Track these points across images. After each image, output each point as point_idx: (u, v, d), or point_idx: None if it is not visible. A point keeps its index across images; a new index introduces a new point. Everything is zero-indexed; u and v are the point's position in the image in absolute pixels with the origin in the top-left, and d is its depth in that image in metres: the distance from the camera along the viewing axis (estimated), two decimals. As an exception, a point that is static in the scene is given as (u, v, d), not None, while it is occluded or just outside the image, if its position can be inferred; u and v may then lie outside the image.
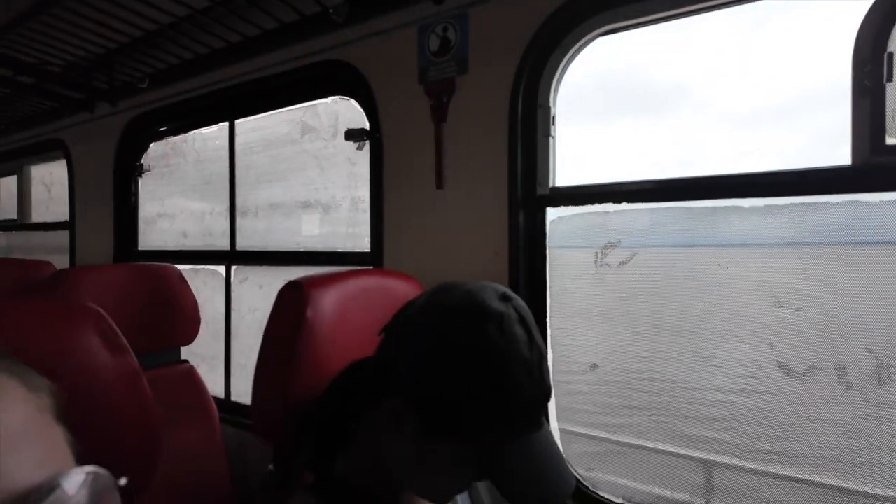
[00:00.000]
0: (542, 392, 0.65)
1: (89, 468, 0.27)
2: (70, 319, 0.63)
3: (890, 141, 0.86)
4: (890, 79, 0.85)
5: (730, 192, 1.01)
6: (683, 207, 1.07)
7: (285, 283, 0.85)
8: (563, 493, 0.67)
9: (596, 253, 1.15)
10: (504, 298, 0.66)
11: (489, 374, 0.61)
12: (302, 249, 1.68)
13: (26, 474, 0.24)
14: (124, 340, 0.65)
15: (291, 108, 1.69)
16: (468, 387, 0.61)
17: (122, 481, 0.28)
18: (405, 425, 0.65)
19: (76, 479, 0.26)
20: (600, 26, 1.11)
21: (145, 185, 2.18)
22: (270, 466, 0.85)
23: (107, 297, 1.38)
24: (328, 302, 0.84)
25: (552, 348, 1.18)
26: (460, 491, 0.72)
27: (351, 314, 0.87)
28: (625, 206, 1.10)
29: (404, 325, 0.69)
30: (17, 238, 3.04)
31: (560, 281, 1.18)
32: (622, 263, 1.11)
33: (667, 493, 1.12)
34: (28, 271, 1.88)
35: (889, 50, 0.85)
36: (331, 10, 1.37)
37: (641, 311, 1.12)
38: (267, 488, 0.84)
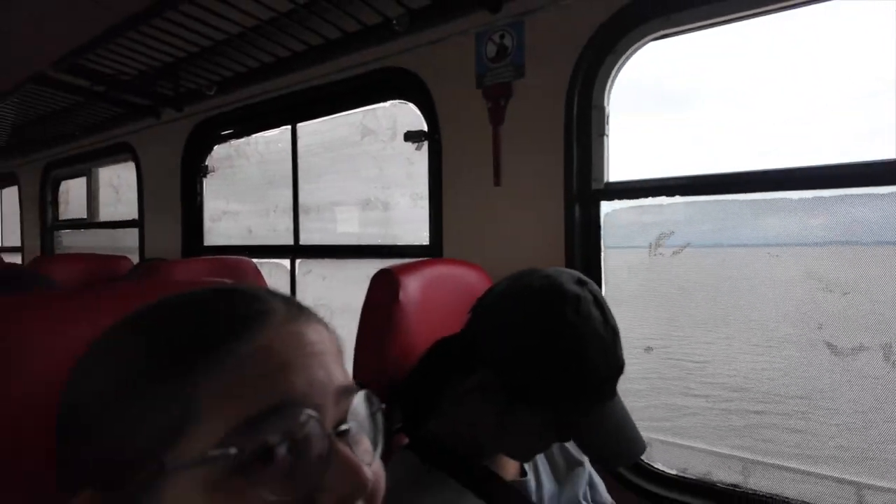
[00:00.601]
0: (616, 366, 0.75)
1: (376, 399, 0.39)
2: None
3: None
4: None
5: (778, 185, 1.09)
6: (733, 200, 1.14)
7: (376, 271, 0.96)
8: (636, 453, 0.77)
9: (650, 244, 1.23)
10: (580, 283, 0.76)
11: (567, 350, 0.71)
12: (362, 244, 1.80)
13: (342, 378, 0.36)
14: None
15: (351, 112, 1.80)
16: (548, 362, 0.71)
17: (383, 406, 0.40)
18: (492, 395, 0.75)
19: (363, 391, 0.37)
20: (653, 32, 1.19)
21: (210, 185, 2.34)
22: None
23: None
24: (415, 286, 0.95)
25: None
26: (543, 451, 0.82)
27: (433, 296, 0.98)
28: (677, 199, 1.18)
29: (490, 306, 0.79)
30: (83, 237, 3.26)
31: (614, 270, 1.27)
32: (675, 253, 1.19)
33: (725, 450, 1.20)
34: (109, 264, 2.06)
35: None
36: (393, 21, 1.48)
37: (691, 299, 1.20)
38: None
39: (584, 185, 1.28)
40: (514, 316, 0.75)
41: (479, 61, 1.43)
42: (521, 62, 1.35)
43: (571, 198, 1.28)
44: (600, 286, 1.28)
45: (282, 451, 0.31)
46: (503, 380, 0.74)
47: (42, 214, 3.39)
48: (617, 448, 0.74)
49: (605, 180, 1.28)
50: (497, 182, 1.40)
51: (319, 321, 0.40)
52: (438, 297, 1.00)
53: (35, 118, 2.74)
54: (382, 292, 0.92)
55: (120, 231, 2.79)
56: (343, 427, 0.35)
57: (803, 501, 1.04)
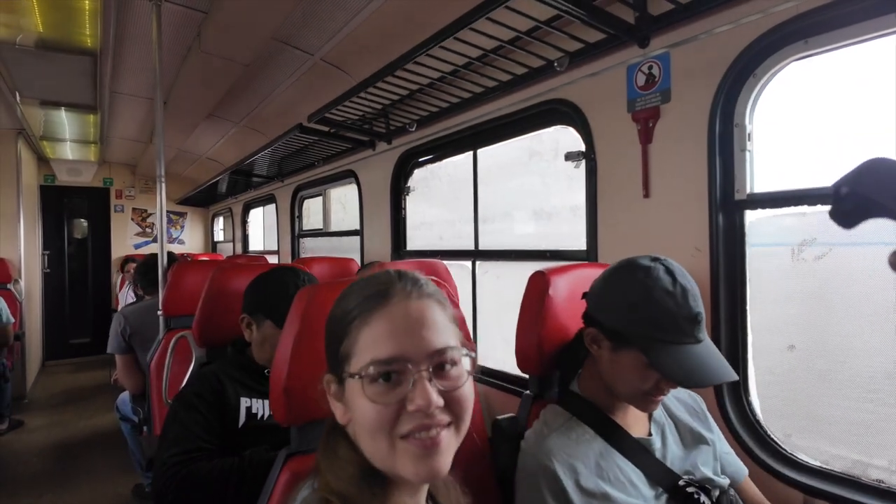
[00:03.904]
0: (688, 313, 0.96)
1: (467, 350, 0.69)
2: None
3: None
4: None
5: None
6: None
7: (532, 272, 1.27)
8: (721, 378, 0.96)
9: (792, 249, 1.31)
10: (653, 259, 1.02)
11: (639, 301, 0.97)
12: (529, 249, 2.13)
13: (436, 341, 0.64)
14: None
15: (521, 138, 2.14)
16: (627, 310, 0.99)
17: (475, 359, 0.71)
18: (602, 343, 1.02)
19: (464, 351, 0.67)
20: (792, 55, 1.27)
21: (411, 201, 2.91)
22: (527, 392, 1.28)
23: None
24: (563, 285, 1.24)
25: (752, 330, 1.39)
26: (651, 394, 1.02)
27: (578, 293, 1.26)
28: (819, 208, 1.25)
29: (593, 285, 1.07)
30: (318, 242, 4.22)
31: (759, 274, 1.38)
32: (817, 259, 1.26)
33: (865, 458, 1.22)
34: (342, 264, 2.74)
35: None
36: (554, 63, 1.77)
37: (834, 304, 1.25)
38: (525, 406, 1.27)
39: (727, 196, 1.41)
40: (603, 285, 1.06)
41: (630, 90, 1.64)
42: (668, 88, 1.53)
43: (715, 207, 1.42)
44: (745, 288, 1.40)
45: (391, 377, 0.61)
46: (605, 331, 1.01)
47: (292, 225, 4.47)
48: (700, 376, 0.94)
49: (749, 191, 1.39)
50: (646, 194, 1.60)
51: (430, 296, 0.67)
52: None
53: (289, 154, 3.68)
54: (536, 290, 1.23)
55: (344, 239, 3.59)
56: (433, 368, 0.62)
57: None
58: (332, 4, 2.38)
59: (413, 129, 2.63)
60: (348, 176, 3.42)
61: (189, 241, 7.46)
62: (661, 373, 0.95)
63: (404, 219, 2.93)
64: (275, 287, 1.46)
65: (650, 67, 1.58)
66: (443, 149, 2.62)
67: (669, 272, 0.99)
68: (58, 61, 3.04)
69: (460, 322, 0.73)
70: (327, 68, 2.88)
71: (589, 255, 1.80)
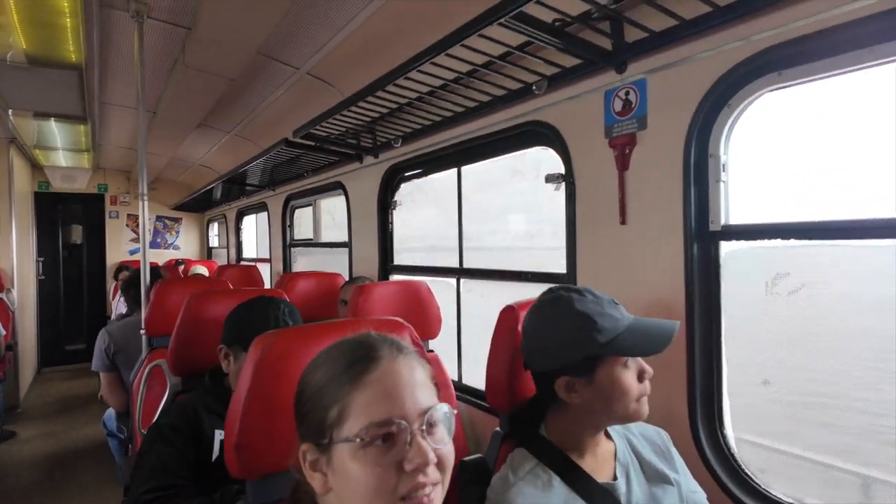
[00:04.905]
0: (606, 302, 1.06)
1: (448, 407, 0.69)
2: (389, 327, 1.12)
3: None
4: None
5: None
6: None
7: (523, 291, 1.26)
8: (672, 328, 1.03)
9: (766, 282, 1.30)
10: (548, 292, 1.12)
11: (577, 321, 1.02)
12: (511, 269, 2.11)
13: (425, 401, 0.67)
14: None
15: (503, 157, 2.13)
16: (579, 334, 1.02)
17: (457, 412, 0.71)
18: (574, 387, 1.05)
19: (447, 408, 0.68)
20: (766, 87, 1.26)
21: (398, 215, 2.90)
22: (496, 429, 1.27)
23: (387, 303, 2.01)
24: (534, 320, 1.23)
25: (727, 362, 1.38)
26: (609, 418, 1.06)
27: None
28: (793, 242, 1.24)
29: (529, 344, 1.12)
30: (309, 251, 4.22)
31: (733, 305, 1.36)
32: (791, 293, 1.24)
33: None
34: (328, 279, 2.73)
35: None
36: (533, 87, 1.76)
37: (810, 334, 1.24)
38: (494, 443, 1.26)
39: (702, 227, 1.40)
40: (540, 334, 1.10)
41: (607, 115, 1.62)
42: (645, 114, 1.52)
43: (690, 237, 1.40)
44: (720, 319, 1.39)
45: (387, 440, 0.62)
46: (572, 371, 1.04)
47: (283, 234, 4.46)
48: (658, 336, 1.03)
49: (723, 222, 1.37)
50: (623, 221, 1.58)
51: (413, 356, 0.69)
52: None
53: (279, 164, 3.67)
54: (506, 326, 1.22)
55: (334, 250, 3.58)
56: (426, 426, 0.64)
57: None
58: (315, 20, 2.37)
59: (398, 145, 2.61)
60: (337, 187, 3.40)
61: (184, 246, 7.45)
62: (640, 355, 1.03)
63: (391, 233, 2.92)
64: (254, 320, 1.44)
65: (627, 93, 1.56)
66: (428, 164, 2.60)
67: (565, 289, 1.08)
68: (45, 75, 3.02)
69: (433, 376, 0.73)
70: (314, 82, 2.87)
71: (568, 279, 1.78)
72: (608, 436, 1.15)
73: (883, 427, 1.22)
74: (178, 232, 7.41)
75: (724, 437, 1.38)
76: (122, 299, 4.78)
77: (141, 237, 2.47)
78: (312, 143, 2.89)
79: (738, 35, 1.28)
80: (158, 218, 7.25)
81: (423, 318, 2.06)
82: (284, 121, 3.40)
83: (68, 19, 2.37)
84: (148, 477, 1.27)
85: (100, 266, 6.90)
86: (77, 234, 6.90)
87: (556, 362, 1.05)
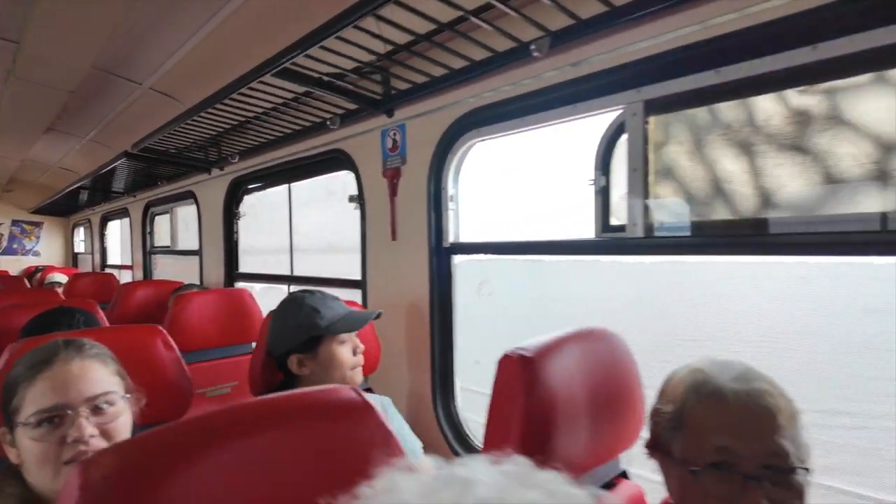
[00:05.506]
0: (319, 296, 1.41)
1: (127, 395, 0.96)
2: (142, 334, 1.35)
3: (614, 222, 1.33)
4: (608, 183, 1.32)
5: (555, 250, 1.53)
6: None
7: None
8: (371, 314, 1.42)
9: (478, 286, 1.70)
10: (303, 292, 1.43)
11: (304, 310, 1.36)
12: (331, 277, 2.41)
13: (89, 391, 0.90)
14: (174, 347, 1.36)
15: (321, 178, 2.43)
16: (306, 320, 1.35)
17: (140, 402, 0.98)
18: (304, 362, 1.38)
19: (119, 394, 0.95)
20: (473, 139, 1.66)
21: (243, 225, 3.10)
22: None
23: (204, 311, 2.22)
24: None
25: (458, 349, 1.77)
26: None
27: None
28: (494, 256, 1.65)
29: (269, 333, 1.44)
30: (168, 258, 4.26)
31: (461, 303, 1.76)
32: (489, 294, 1.65)
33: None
34: (160, 287, 2.87)
35: (609, 165, 1.32)
36: (328, 122, 2.07)
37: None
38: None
39: (440, 243, 1.78)
40: (278, 325, 1.42)
41: (383, 150, 1.97)
42: (405, 154, 1.88)
43: (432, 252, 1.78)
44: (452, 314, 1.78)
45: (53, 421, 0.83)
46: (301, 349, 1.36)
47: (143, 240, 4.44)
48: (358, 316, 1.41)
49: (451, 240, 1.77)
50: (394, 238, 1.94)
51: (93, 357, 0.93)
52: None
53: (137, 171, 3.70)
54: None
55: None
56: (91, 409, 0.88)
57: None
58: (153, 37, 2.50)
59: (234, 161, 2.82)
60: (189, 197, 3.52)
61: (46, 252, 6.99)
62: (347, 331, 1.36)
63: (236, 243, 3.11)
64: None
65: (395, 134, 1.92)
66: (265, 179, 2.84)
67: (301, 292, 1.44)
68: None
69: (120, 370, 0.98)
70: (158, 97, 2.98)
71: (363, 284, 2.11)
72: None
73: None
74: (38, 237, 6.93)
75: (455, 411, 1.77)
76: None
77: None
78: (153, 157, 3.01)
79: (457, 97, 1.67)
80: (15, 222, 6.74)
81: (243, 324, 2.29)
82: (137, 130, 3.44)
83: None
84: None
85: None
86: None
87: (289, 343, 1.36)
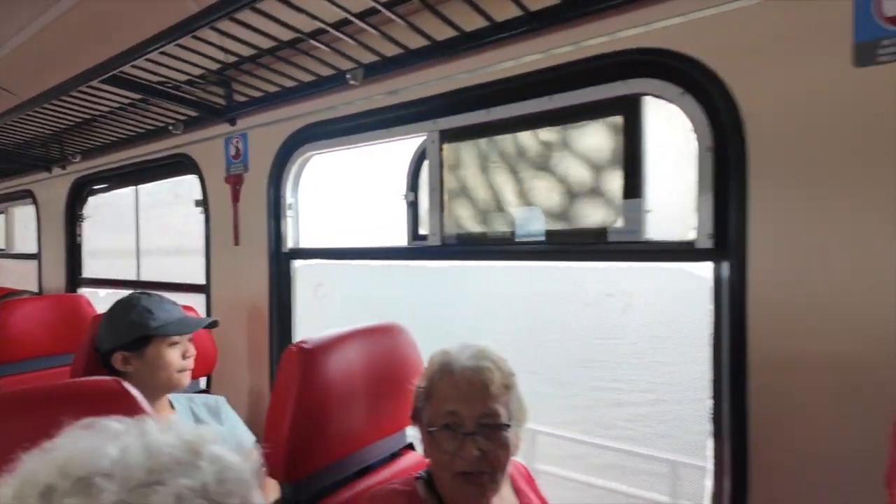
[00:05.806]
0: (154, 299, 1.45)
1: None
2: None
3: (422, 231, 1.53)
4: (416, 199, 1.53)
5: (378, 255, 1.70)
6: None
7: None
8: (204, 321, 1.47)
9: (315, 288, 1.84)
10: (140, 293, 1.47)
11: (139, 313, 1.40)
12: (179, 282, 2.40)
13: None
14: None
15: (167, 182, 2.40)
16: (140, 321, 1.39)
17: None
18: (129, 360, 1.41)
19: None
20: (307, 152, 1.79)
21: (88, 227, 2.93)
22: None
23: (34, 318, 2.11)
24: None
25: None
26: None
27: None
28: (328, 261, 1.79)
29: (98, 334, 1.46)
30: (9, 261, 3.85)
31: (300, 304, 1.89)
32: (324, 296, 1.79)
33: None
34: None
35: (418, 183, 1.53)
36: (170, 127, 2.08)
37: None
38: None
39: (279, 248, 1.89)
40: (108, 325, 1.45)
41: (226, 158, 2.03)
42: (247, 161, 1.96)
43: (272, 256, 1.88)
44: (291, 315, 1.89)
45: None
46: (129, 348, 1.40)
47: (-26, 243, 3.98)
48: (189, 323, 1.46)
49: (290, 246, 1.88)
50: (237, 242, 2.01)
51: None
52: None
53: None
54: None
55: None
56: None
57: None
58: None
59: (77, 160, 2.68)
60: (27, 196, 3.24)
61: None
62: (176, 334, 1.41)
63: (80, 245, 2.94)
64: None
65: (237, 142, 1.99)
66: (111, 180, 2.73)
67: (139, 293, 1.48)
68: None
69: None
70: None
71: (207, 289, 2.15)
72: (172, 406, 1.53)
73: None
74: None
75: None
76: None
77: None
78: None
79: (294, 112, 1.79)
80: None
81: (77, 331, 2.20)
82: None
83: None
84: None
85: None
86: None
87: (117, 341, 1.39)
